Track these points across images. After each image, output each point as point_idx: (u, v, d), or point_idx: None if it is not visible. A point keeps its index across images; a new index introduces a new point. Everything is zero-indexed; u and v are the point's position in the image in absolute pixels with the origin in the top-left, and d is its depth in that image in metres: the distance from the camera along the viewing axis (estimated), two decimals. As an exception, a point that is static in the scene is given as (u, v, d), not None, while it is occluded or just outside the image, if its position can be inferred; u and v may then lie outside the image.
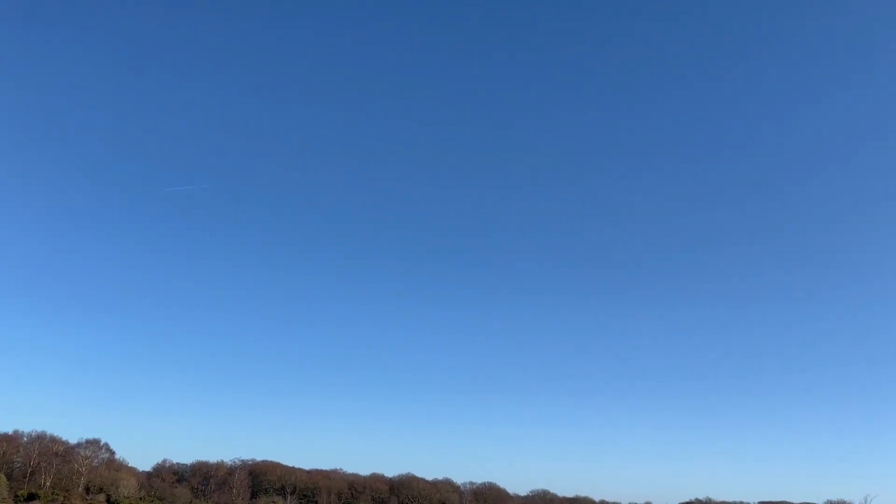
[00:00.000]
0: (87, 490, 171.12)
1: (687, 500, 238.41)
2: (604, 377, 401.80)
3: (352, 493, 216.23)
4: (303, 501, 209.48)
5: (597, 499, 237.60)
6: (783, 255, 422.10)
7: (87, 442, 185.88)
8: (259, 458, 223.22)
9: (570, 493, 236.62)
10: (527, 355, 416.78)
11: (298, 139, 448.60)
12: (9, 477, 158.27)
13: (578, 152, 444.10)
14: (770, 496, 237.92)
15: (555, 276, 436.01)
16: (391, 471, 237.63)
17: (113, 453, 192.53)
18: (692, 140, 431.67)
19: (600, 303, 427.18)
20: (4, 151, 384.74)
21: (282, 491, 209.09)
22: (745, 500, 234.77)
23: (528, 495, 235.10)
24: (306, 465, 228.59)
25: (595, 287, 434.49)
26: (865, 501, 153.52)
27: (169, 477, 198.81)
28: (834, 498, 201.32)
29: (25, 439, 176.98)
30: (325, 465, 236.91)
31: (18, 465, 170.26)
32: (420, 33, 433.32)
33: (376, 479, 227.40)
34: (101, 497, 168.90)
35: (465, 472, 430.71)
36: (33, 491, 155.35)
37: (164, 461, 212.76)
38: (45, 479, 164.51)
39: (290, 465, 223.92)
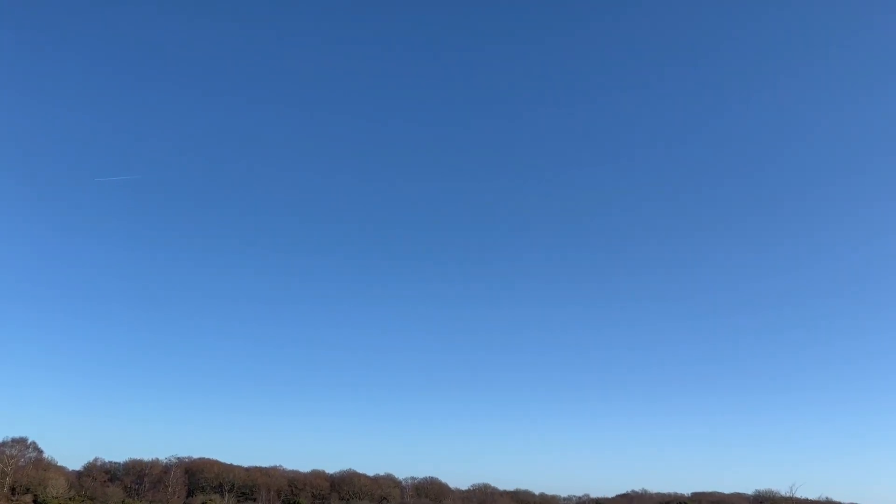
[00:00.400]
0: (13, 491, 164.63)
1: (624, 491, 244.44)
2: (541, 371, 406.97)
3: (291, 490, 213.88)
4: (241, 499, 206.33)
5: (537, 492, 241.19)
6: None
7: (13, 440, 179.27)
8: (196, 456, 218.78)
9: (510, 487, 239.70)
10: (466, 351, 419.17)
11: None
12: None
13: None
14: (703, 487, 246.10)
15: (504, 273, 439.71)
16: (332, 467, 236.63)
17: (41, 452, 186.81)
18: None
19: (539, 297, 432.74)
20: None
21: (219, 489, 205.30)
22: (679, 492, 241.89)
23: (470, 489, 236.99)
24: (245, 462, 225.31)
25: (534, 283, 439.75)
26: (791, 490, 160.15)
27: (100, 476, 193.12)
28: (762, 488, 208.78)
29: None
30: (265, 462, 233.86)
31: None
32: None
33: (317, 475, 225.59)
34: (28, 498, 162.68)
35: (407, 467, 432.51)
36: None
37: (96, 460, 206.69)
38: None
39: (228, 462, 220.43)
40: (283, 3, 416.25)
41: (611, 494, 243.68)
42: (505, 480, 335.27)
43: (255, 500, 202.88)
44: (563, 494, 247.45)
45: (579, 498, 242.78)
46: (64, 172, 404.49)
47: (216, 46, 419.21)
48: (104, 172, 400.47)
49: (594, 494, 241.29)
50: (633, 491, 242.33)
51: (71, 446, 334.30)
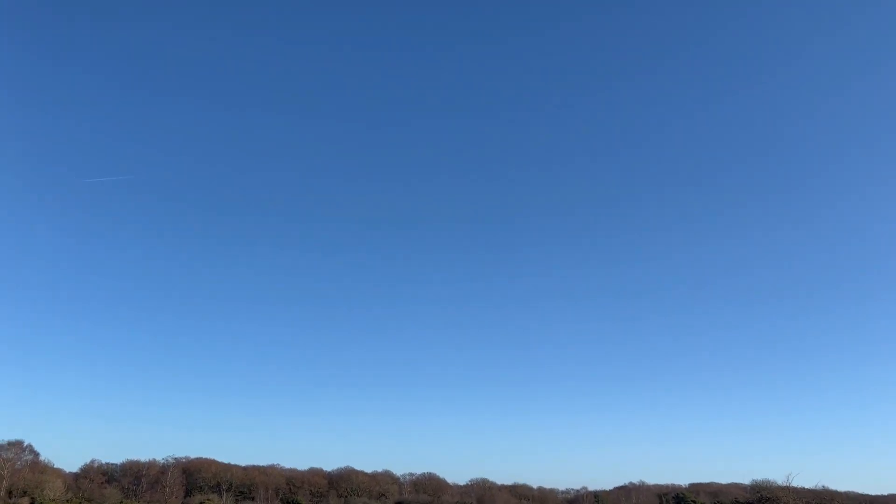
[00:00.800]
0: (10, 493, 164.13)
1: (621, 484, 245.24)
2: (538, 367, 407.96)
3: (290, 489, 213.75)
4: (239, 498, 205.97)
5: (535, 486, 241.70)
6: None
7: (9, 444, 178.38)
8: (193, 456, 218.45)
9: (509, 481, 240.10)
10: (462, 347, 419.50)
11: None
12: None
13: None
14: (700, 478, 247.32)
15: (499, 270, 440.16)
16: (330, 465, 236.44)
17: (37, 455, 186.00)
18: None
19: (534, 293, 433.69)
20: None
21: (217, 488, 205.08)
22: (676, 483, 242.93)
23: (468, 484, 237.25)
24: (242, 461, 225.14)
25: (528, 279, 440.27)
26: (788, 479, 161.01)
27: (98, 477, 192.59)
28: (759, 478, 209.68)
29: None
30: (262, 460, 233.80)
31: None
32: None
33: (314, 473, 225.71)
34: (25, 500, 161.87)
35: (405, 463, 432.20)
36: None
37: (93, 461, 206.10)
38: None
39: (226, 461, 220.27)
40: (286, 5, 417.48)
41: (609, 487, 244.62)
42: (503, 475, 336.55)
43: (253, 499, 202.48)
44: (561, 488, 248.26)
45: (577, 491, 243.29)
46: (58, 173, 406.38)
47: (217, 49, 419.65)
48: (106, 173, 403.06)
49: (592, 487, 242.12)
50: (630, 483, 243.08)
51: (67, 448, 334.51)
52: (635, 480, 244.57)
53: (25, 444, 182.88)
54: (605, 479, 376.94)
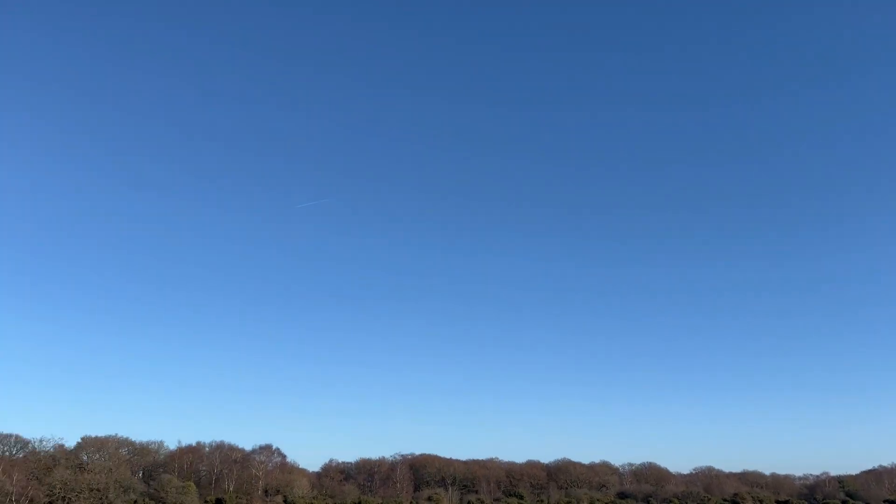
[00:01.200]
0: (266, 492, 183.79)
1: (870, 467, 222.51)
2: (768, 349, 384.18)
3: (510, 481, 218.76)
4: (463, 492, 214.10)
5: (767, 472, 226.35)
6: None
7: (261, 448, 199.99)
8: (417, 452, 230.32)
9: (737, 469, 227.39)
10: (687, 332, 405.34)
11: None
12: (197, 484, 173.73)
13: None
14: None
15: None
16: (547, 457, 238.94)
17: (284, 457, 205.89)
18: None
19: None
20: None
21: (442, 482, 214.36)
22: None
23: (692, 473, 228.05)
24: (462, 455, 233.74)
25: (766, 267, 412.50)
26: None
27: (336, 476, 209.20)
28: None
29: (207, 449, 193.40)
30: (480, 454, 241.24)
31: (204, 473, 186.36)
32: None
33: (532, 465, 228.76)
34: (279, 498, 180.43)
35: (623, 453, 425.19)
36: (220, 496, 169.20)
37: (331, 461, 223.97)
38: (228, 485, 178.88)
39: (447, 456, 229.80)
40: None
41: (854, 471, 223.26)
42: (730, 462, 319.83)
43: (476, 492, 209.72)
44: (798, 473, 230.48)
45: (817, 477, 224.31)
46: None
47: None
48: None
49: (834, 472, 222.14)
50: (880, 466, 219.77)
51: (308, 449, 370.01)
52: (886, 463, 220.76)
53: (274, 447, 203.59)
54: (849, 464, 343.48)
